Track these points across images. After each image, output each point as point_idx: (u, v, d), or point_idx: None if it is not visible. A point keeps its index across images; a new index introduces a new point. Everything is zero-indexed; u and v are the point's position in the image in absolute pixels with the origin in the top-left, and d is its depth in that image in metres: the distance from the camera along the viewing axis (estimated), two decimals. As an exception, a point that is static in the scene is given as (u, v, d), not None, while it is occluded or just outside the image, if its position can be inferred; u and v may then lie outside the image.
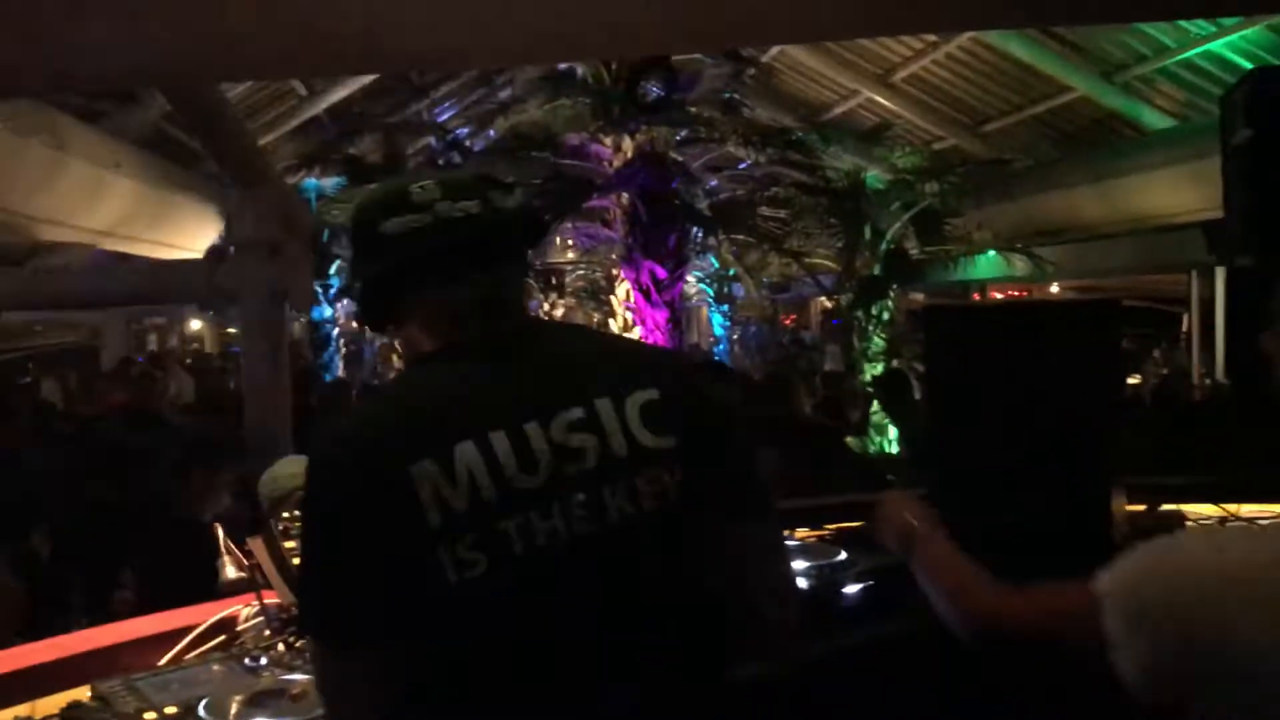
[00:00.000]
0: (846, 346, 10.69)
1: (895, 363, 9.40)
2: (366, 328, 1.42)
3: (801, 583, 2.50)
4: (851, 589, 2.56)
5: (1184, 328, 12.70)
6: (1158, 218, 9.76)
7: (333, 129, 13.71)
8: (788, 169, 10.35)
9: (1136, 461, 3.22)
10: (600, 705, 1.39)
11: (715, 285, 14.22)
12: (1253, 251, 3.15)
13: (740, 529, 1.50)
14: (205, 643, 2.21)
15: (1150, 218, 9.91)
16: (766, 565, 1.55)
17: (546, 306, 15.65)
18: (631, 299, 10.04)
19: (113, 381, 10.45)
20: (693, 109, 9.82)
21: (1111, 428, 2.66)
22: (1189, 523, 2.92)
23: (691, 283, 13.31)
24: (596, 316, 13.23)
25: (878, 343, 9.84)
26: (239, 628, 2.30)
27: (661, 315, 9.80)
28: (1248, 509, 2.97)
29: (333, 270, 11.66)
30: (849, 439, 6.99)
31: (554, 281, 16.03)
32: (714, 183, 11.45)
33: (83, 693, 1.85)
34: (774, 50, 12.83)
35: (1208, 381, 9.95)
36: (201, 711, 1.68)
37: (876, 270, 9.95)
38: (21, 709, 1.83)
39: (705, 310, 16.36)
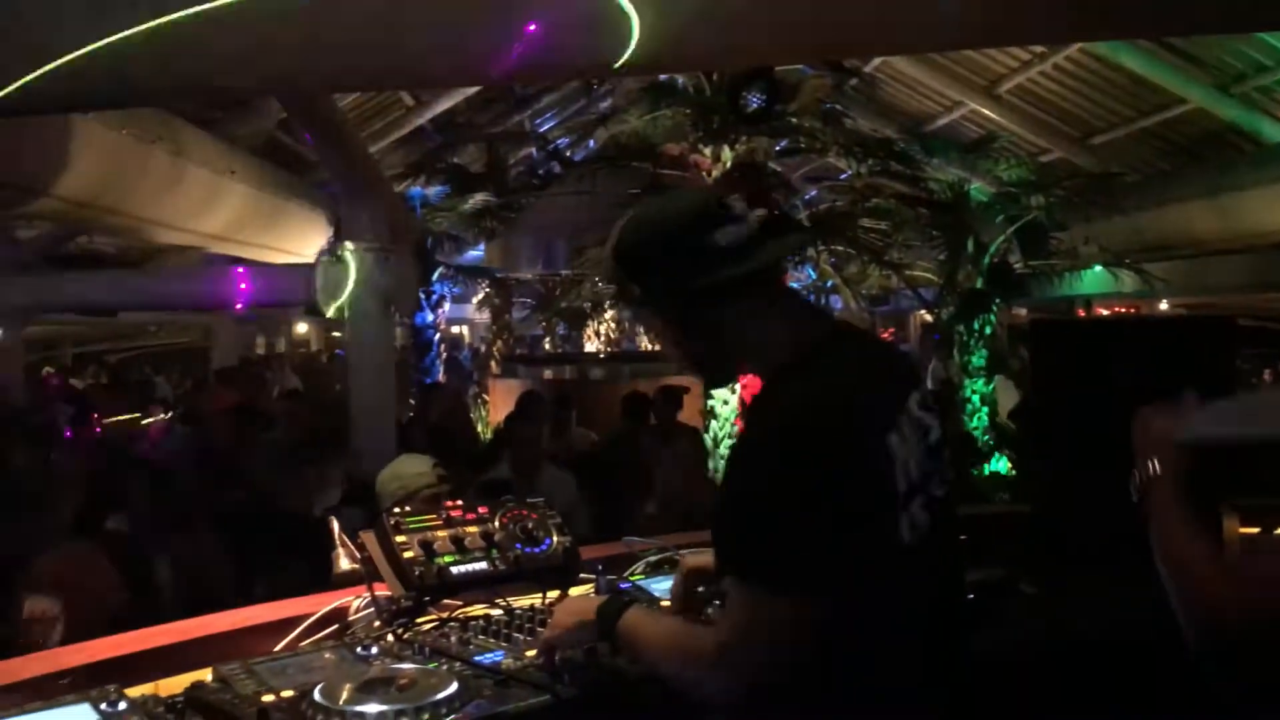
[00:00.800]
0: (946, 360, 10.51)
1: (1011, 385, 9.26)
2: (681, 327, 1.50)
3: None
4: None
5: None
6: (1275, 234, 9.44)
7: (437, 139, 13.99)
8: (889, 180, 10.21)
9: (1250, 484, 3.12)
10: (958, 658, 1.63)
11: (813, 297, 14.12)
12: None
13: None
14: (318, 631, 2.29)
15: (1268, 234, 9.59)
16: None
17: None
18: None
19: (225, 380, 10.78)
20: (793, 119, 9.75)
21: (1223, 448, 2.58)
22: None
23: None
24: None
25: (979, 358, 9.66)
26: (350, 618, 2.37)
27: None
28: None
29: (434, 276, 11.85)
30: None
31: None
32: (813, 193, 11.35)
33: (204, 674, 1.92)
34: (876, 61, 12.70)
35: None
36: (316, 696, 1.73)
37: (979, 284, 9.76)
38: (147, 687, 1.91)
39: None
